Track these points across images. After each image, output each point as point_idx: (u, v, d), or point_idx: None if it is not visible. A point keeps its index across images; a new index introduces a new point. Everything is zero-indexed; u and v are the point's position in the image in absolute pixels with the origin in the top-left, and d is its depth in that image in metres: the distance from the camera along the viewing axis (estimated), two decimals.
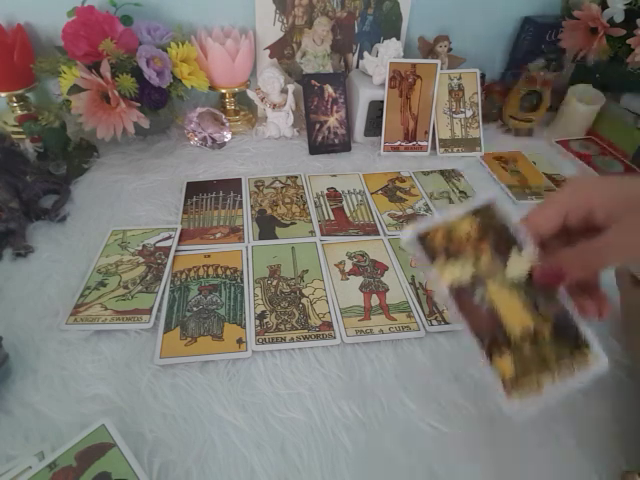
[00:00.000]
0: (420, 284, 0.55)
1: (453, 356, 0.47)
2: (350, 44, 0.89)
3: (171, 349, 0.46)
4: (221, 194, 0.69)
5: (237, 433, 0.40)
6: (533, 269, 0.32)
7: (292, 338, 0.48)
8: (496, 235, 0.33)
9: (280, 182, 0.72)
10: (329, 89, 0.80)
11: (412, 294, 0.54)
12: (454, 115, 0.83)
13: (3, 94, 0.75)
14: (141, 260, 0.56)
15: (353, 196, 0.70)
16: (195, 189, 0.70)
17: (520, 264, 0.32)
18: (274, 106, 0.82)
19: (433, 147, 0.83)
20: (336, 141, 0.81)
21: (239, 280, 0.54)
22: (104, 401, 0.42)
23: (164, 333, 0.48)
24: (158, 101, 0.70)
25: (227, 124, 0.82)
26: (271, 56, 0.86)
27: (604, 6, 0.78)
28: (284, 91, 0.82)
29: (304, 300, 0.52)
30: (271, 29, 0.83)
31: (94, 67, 0.64)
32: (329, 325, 0.49)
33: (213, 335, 0.48)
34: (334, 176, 0.75)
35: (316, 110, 0.81)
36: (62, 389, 0.42)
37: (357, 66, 0.90)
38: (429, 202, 0.69)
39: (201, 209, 0.66)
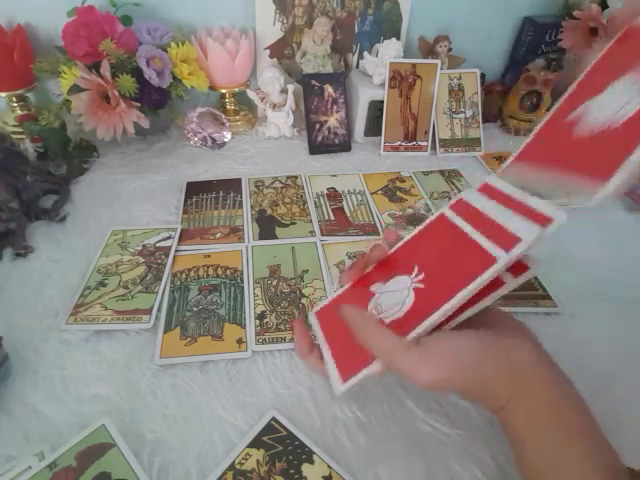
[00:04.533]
0: None
1: None
2: (350, 44, 0.89)
3: (171, 349, 0.46)
4: (221, 194, 0.69)
5: (237, 433, 0.40)
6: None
7: (292, 338, 0.48)
8: None
9: (280, 182, 0.72)
10: (329, 89, 0.80)
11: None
12: (454, 115, 0.83)
13: (3, 94, 0.75)
14: (141, 260, 0.56)
15: (353, 196, 0.70)
16: (195, 189, 0.70)
17: None
18: (274, 106, 0.82)
19: (433, 147, 0.83)
20: (336, 141, 0.81)
21: (239, 280, 0.54)
22: (104, 401, 0.42)
23: (164, 333, 0.48)
24: (158, 101, 0.70)
25: (227, 124, 0.82)
26: (271, 56, 0.86)
27: (604, 6, 0.78)
28: (284, 91, 0.82)
29: (304, 300, 0.52)
30: (271, 29, 0.83)
31: (94, 67, 0.64)
32: None
33: (213, 335, 0.48)
34: (334, 176, 0.75)
35: (316, 110, 0.80)
36: (62, 389, 0.42)
37: (357, 66, 0.90)
38: (429, 202, 0.69)
39: (201, 209, 0.66)
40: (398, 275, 0.35)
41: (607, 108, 0.30)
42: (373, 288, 0.37)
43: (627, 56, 0.32)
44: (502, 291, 0.31)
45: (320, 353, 0.36)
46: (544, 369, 0.32)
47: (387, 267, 0.37)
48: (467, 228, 0.33)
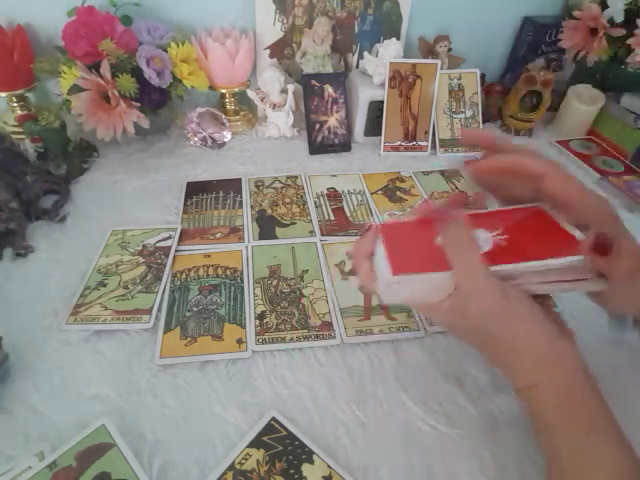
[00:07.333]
0: None
1: (453, 356, 0.47)
2: (350, 44, 0.89)
3: (171, 349, 0.46)
4: (221, 194, 0.69)
5: (237, 433, 0.40)
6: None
7: (292, 338, 0.48)
8: None
9: (280, 182, 0.72)
10: (329, 89, 0.80)
11: None
12: (454, 115, 0.83)
13: (3, 94, 0.75)
14: (141, 260, 0.56)
15: (353, 196, 0.70)
16: (195, 189, 0.70)
17: None
18: (274, 106, 0.82)
19: (433, 147, 0.83)
20: (336, 141, 0.81)
21: (239, 280, 0.54)
22: (104, 401, 0.42)
23: (164, 333, 0.48)
24: (158, 101, 0.70)
25: (227, 124, 0.82)
26: (271, 56, 0.86)
27: (604, 6, 0.78)
28: (284, 91, 0.82)
29: (304, 300, 0.52)
30: (271, 29, 0.83)
31: (94, 67, 0.64)
32: (329, 325, 0.49)
33: (213, 335, 0.48)
34: (334, 176, 0.75)
35: (316, 110, 0.80)
36: (62, 389, 0.43)
37: (357, 66, 0.90)
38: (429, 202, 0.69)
39: (201, 209, 0.66)
40: (481, 228, 0.36)
41: None
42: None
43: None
44: (582, 287, 0.34)
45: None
46: (580, 360, 0.33)
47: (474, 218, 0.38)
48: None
